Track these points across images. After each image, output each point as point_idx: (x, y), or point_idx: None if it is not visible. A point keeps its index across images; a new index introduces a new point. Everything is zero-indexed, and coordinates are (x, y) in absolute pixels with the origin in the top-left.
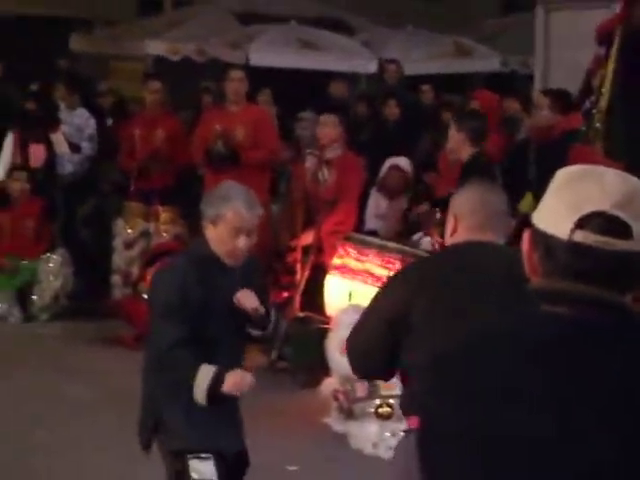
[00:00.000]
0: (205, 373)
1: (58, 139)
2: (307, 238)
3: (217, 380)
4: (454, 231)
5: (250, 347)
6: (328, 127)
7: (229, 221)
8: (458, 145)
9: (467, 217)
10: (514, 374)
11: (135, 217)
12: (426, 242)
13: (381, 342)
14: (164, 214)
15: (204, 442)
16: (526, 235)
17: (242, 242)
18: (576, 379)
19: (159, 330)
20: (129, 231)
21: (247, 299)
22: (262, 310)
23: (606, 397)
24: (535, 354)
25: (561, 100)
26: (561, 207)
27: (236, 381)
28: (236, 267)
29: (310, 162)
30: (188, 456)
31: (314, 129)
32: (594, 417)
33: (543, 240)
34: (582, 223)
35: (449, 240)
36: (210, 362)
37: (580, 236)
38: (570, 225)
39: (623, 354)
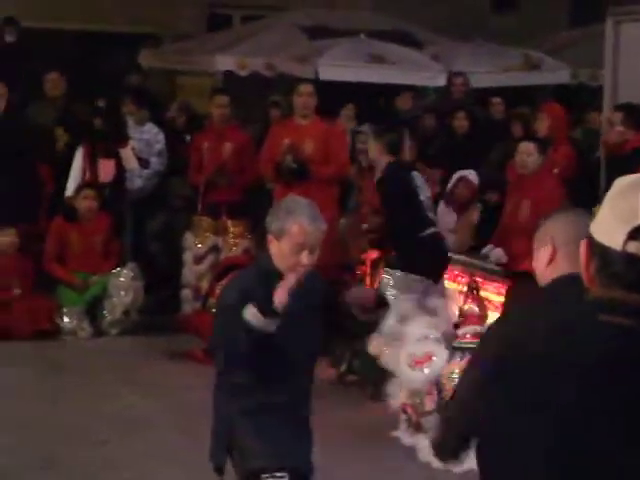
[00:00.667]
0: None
1: (127, 154)
2: (376, 252)
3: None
4: (551, 260)
5: (319, 360)
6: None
7: (292, 236)
8: (376, 155)
9: (567, 248)
10: (583, 388)
11: (204, 231)
12: (496, 254)
13: None
14: (233, 228)
15: (279, 460)
16: (583, 245)
17: (304, 258)
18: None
19: (220, 325)
20: (199, 245)
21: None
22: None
23: None
24: (595, 367)
25: (634, 115)
26: (615, 218)
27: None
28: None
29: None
30: (263, 476)
31: None
32: None
33: (599, 251)
34: (635, 234)
35: (545, 270)
36: (272, 379)
37: (633, 247)
38: (623, 236)
39: None
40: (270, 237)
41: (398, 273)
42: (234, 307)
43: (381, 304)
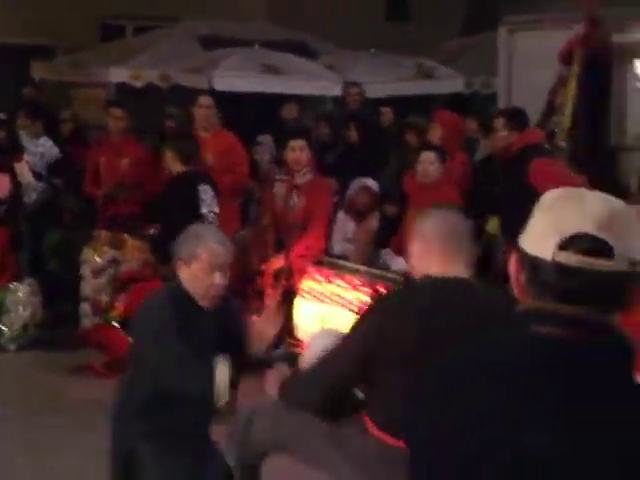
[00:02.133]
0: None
1: (22, 168)
2: (277, 262)
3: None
4: (424, 255)
5: None
6: (298, 152)
7: (204, 258)
8: (170, 162)
9: (437, 242)
10: (513, 399)
11: (103, 245)
12: (397, 263)
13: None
14: (132, 241)
15: None
16: (513, 257)
17: (217, 279)
18: (567, 398)
19: (152, 352)
20: (97, 259)
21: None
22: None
23: (599, 412)
24: (527, 377)
25: (516, 118)
26: (545, 229)
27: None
28: (212, 309)
29: (279, 187)
30: None
31: (272, 153)
32: (594, 430)
33: (529, 262)
34: (565, 244)
35: (418, 263)
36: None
37: (563, 257)
38: (554, 246)
39: (608, 371)
40: (180, 263)
41: None
42: (157, 337)
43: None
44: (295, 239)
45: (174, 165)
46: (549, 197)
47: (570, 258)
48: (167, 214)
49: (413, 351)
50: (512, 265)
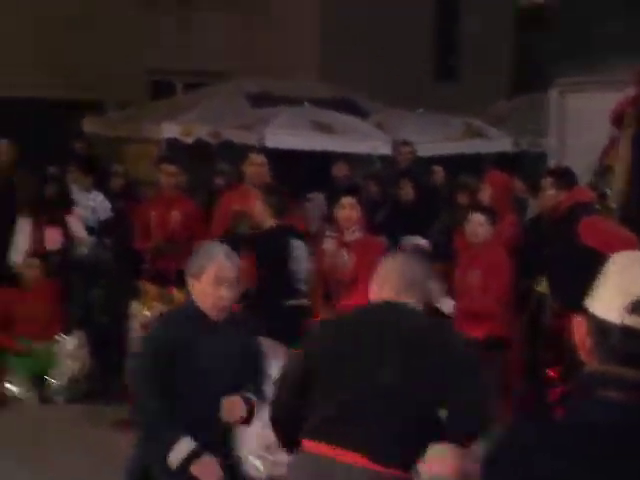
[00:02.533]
0: (183, 447)
1: (73, 222)
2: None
3: (190, 460)
4: (374, 293)
5: None
6: (349, 209)
7: (211, 272)
8: (262, 216)
9: (387, 281)
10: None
11: (151, 299)
12: (447, 302)
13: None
14: (179, 295)
15: None
16: (579, 321)
17: (224, 292)
18: (623, 465)
19: (137, 383)
20: (146, 313)
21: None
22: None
23: None
24: (589, 441)
25: (564, 177)
26: (614, 292)
27: (204, 470)
28: (226, 323)
29: (329, 244)
30: None
31: (322, 210)
32: None
33: (597, 325)
34: (633, 308)
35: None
36: (189, 416)
37: (631, 320)
38: (622, 310)
39: None
40: (191, 280)
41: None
42: (158, 353)
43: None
44: (343, 296)
45: (265, 219)
46: (617, 260)
47: (638, 322)
48: (259, 268)
49: (319, 366)
50: (578, 328)
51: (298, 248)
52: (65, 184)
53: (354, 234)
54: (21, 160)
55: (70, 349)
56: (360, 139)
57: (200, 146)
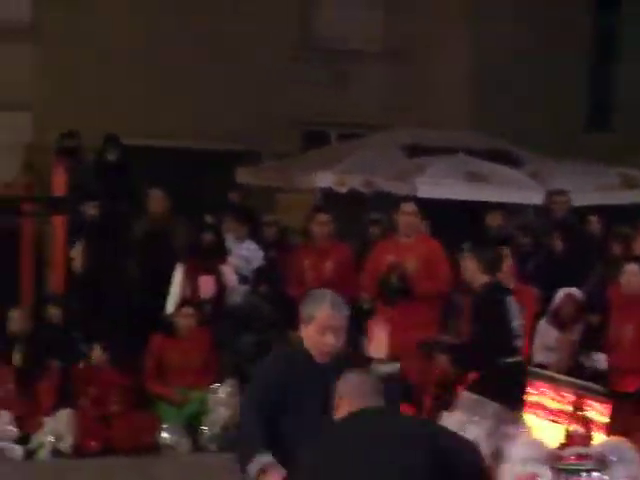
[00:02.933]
0: (262, 459)
1: (227, 271)
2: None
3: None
4: (338, 408)
5: None
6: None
7: (318, 319)
8: (472, 274)
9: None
10: None
11: None
12: (598, 357)
13: None
14: None
15: None
16: None
17: (329, 339)
18: None
19: (243, 411)
20: None
21: None
22: None
23: None
24: None
25: None
26: None
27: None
28: (327, 364)
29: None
30: None
31: None
32: None
33: None
34: None
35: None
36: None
37: None
38: None
39: None
40: (301, 324)
41: (475, 396)
42: (266, 382)
43: None
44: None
45: (475, 275)
46: None
47: None
48: (473, 324)
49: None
50: None
51: (512, 304)
52: (220, 233)
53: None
54: (178, 210)
55: (223, 397)
56: (513, 189)
57: (353, 196)
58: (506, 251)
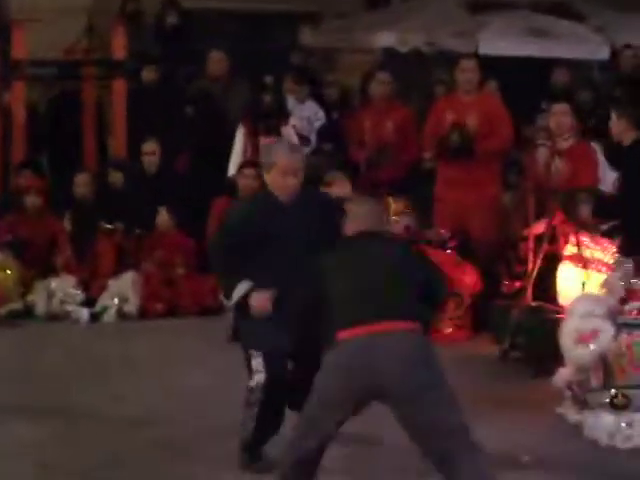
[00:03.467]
0: (243, 287)
1: (288, 132)
2: (539, 227)
3: (247, 295)
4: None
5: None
6: (561, 116)
7: (279, 165)
8: (619, 131)
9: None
10: None
11: None
12: None
13: None
14: (395, 205)
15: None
16: None
17: (291, 180)
18: None
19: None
20: None
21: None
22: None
23: None
24: None
25: None
26: None
27: (258, 300)
28: (291, 203)
29: (542, 152)
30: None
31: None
32: None
33: None
34: None
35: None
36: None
37: None
38: None
39: None
40: (264, 171)
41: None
42: (238, 222)
43: None
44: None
45: (626, 133)
46: None
47: None
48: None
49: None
50: None
51: None
52: (280, 94)
53: (567, 141)
54: (239, 71)
55: None
56: (577, 43)
57: (415, 55)
58: (563, 107)
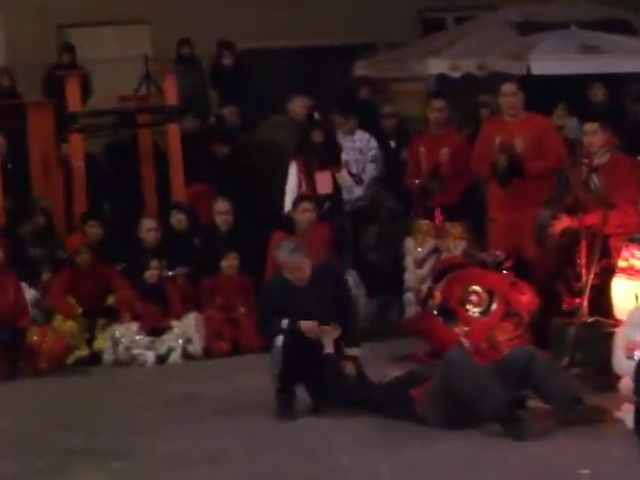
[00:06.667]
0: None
1: (343, 176)
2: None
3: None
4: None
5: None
6: (591, 135)
7: (284, 265)
8: None
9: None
10: None
11: (424, 235)
12: None
13: None
14: (452, 230)
15: None
16: None
17: (297, 274)
18: None
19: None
20: (419, 249)
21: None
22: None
23: None
24: None
25: None
26: None
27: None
28: (304, 286)
29: (581, 170)
30: None
31: (576, 135)
32: None
33: None
34: None
35: None
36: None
37: None
38: None
39: None
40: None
41: None
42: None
43: None
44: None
45: None
46: None
47: None
48: None
49: None
50: None
51: None
52: (334, 139)
53: (602, 157)
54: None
55: None
56: (631, 58)
57: (468, 79)
58: (592, 126)
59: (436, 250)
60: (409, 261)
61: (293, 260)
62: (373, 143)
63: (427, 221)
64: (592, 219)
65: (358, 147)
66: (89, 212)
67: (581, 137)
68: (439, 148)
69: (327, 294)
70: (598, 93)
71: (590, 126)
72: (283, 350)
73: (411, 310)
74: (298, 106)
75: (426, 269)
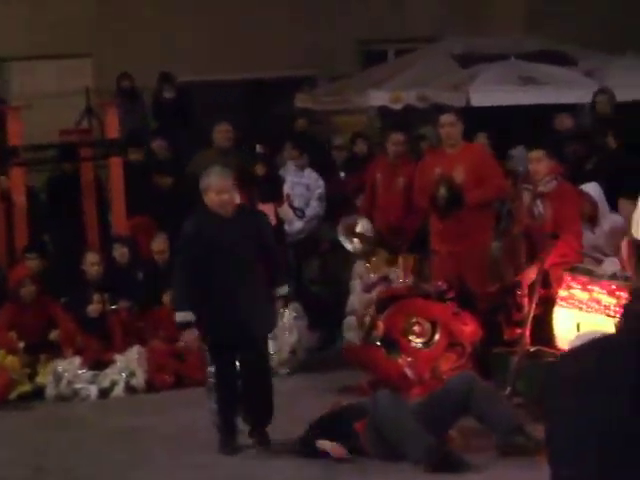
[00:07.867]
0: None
1: (284, 210)
2: (531, 273)
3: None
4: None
5: None
6: (536, 162)
7: (212, 186)
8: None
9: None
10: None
11: (381, 263)
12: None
13: None
14: (405, 262)
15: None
16: (625, 243)
17: (225, 197)
18: None
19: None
20: (371, 275)
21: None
22: None
23: None
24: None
25: None
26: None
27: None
28: (231, 216)
29: (525, 197)
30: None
31: (524, 165)
32: None
33: (636, 247)
34: None
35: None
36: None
37: None
38: None
39: None
40: (203, 195)
41: None
42: (190, 237)
43: None
44: (546, 248)
45: None
46: None
47: None
48: None
49: None
50: (624, 250)
51: None
52: (273, 164)
53: (547, 185)
54: (240, 140)
55: (287, 322)
56: (567, 89)
57: (409, 111)
58: (537, 154)
59: (385, 278)
60: (356, 285)
61: (221, 181)
62: (320, 182)
63: (383, 250)
64: (552, 259)
65: (305, 183)
66: (29, 244)
67: (527, 166)
68: (395, 178)
69: (252, 232)
70: (565, 121)
71: (535, 153)
72: (216, 377)
73: (352, 334)
74: (220, 134)
75: (374, 294)
